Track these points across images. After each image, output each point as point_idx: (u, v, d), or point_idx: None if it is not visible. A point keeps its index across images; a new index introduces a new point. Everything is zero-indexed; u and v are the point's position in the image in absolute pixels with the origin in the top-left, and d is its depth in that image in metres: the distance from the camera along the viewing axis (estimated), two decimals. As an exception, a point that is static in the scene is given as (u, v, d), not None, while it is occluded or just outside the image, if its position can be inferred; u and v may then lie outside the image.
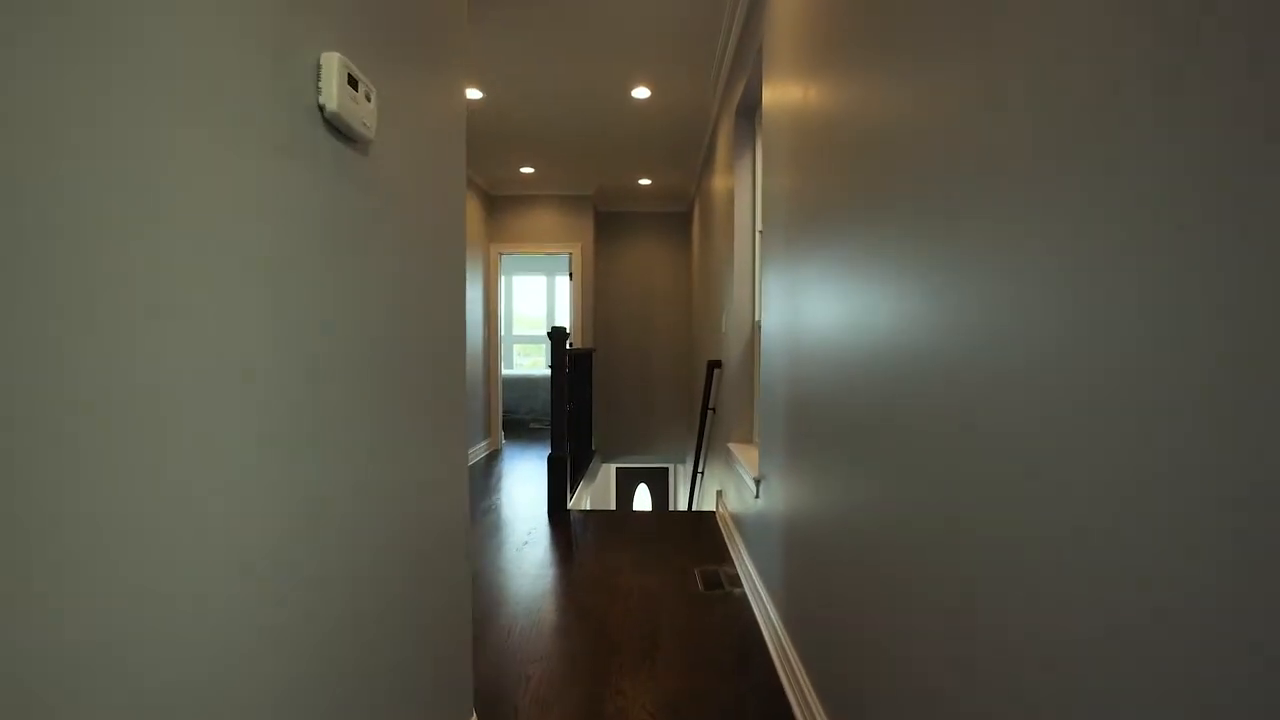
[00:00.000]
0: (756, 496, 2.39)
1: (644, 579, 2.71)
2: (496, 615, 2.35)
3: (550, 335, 3.68)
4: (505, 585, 2.66)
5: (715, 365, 3.79)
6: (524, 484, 4.68)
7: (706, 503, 4.42)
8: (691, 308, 6.44)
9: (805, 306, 1.65)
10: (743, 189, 3.16)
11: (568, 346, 3.85)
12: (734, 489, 3.10)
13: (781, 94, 2.01)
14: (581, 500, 4.96)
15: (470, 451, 5.38)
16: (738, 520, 2.95)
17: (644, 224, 6.79)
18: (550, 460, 3.75)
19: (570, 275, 6.14)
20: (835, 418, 1.36)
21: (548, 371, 8.50)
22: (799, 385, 1.71)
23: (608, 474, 9.69)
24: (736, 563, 2.80)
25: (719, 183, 3.91)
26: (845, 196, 1.29)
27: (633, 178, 5.76)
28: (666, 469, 9.42)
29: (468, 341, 5.86)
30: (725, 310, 3.54)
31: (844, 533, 1.28)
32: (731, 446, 3.05)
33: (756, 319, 3.11)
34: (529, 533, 3.44)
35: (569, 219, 6.11)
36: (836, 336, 1.35)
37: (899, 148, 0.99)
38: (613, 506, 9.71)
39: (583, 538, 3.34)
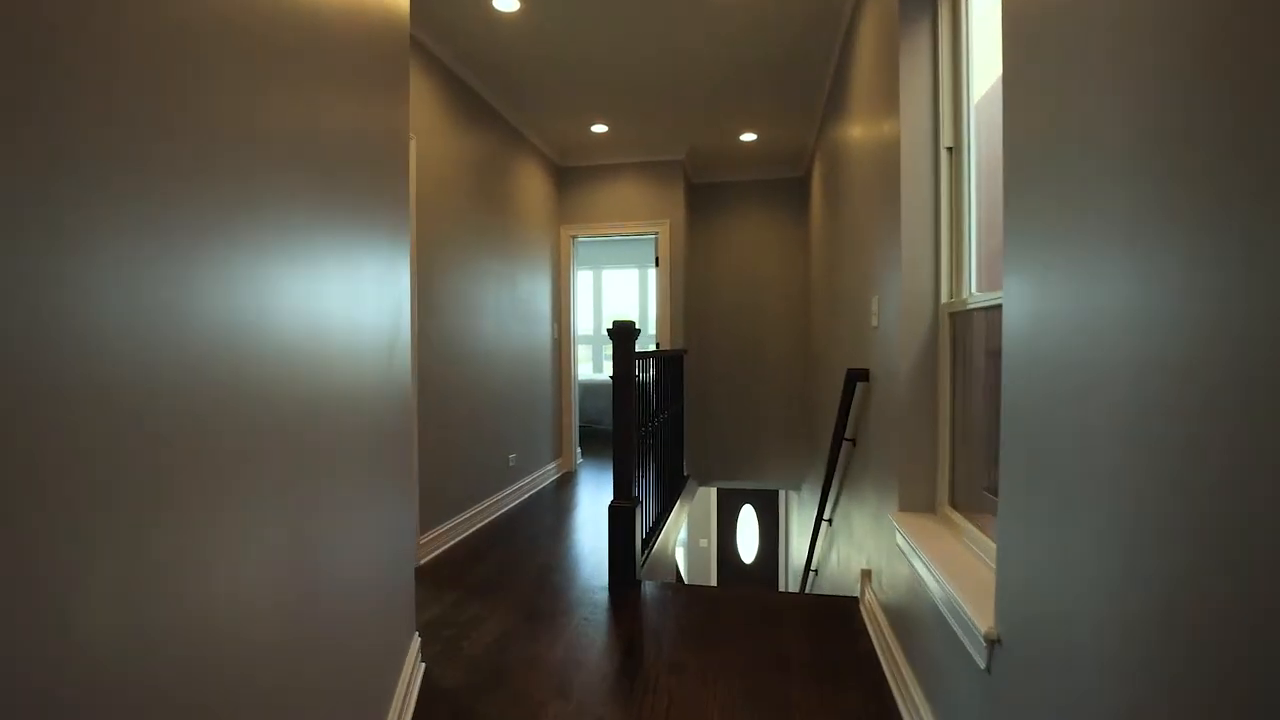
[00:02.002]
0: (987, 669, 1.13)
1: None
2: None
3: (611, 333, 2.56)
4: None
5: (858, 377, 2.51)
6: (596, 522, 3.61)
7: (839, 571, 3.12)
8: (810, 298, 5.10)
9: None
10: (915, 95, 1.88)
11: (654, 350, 2.72)
12: (903, 587, 1.83)
13: None
14: (674, 530, 3.82)
15: (535, 476, 4.39)
16: (921, 660, 1.68)
17: (747, 195, 5.53)
18: (613, 512, 2.64)
19: (656, 260, 5.01)
20: None
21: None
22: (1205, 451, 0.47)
23: (706, 498, 8.50)
24: (921, 745, 1.54)
25: (862, 109, 2.61)
26: None
27: (733, 132, 4.54)
28: (776, 492, 8.08)
29: (533, 342, 5.04)
30: (878, 294, 2.26)
31: None
32: (901, 528, 1.77)
33: (948, 299, 1.82)
34: (583, 619, 2.35)
35: (654, 191, 4.99)
36: None
37: None
38: (713, 533, 8.50)
39: (655, 640, 2.19)
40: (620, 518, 2.62)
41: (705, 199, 5.60)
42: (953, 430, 1.81)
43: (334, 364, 1.23)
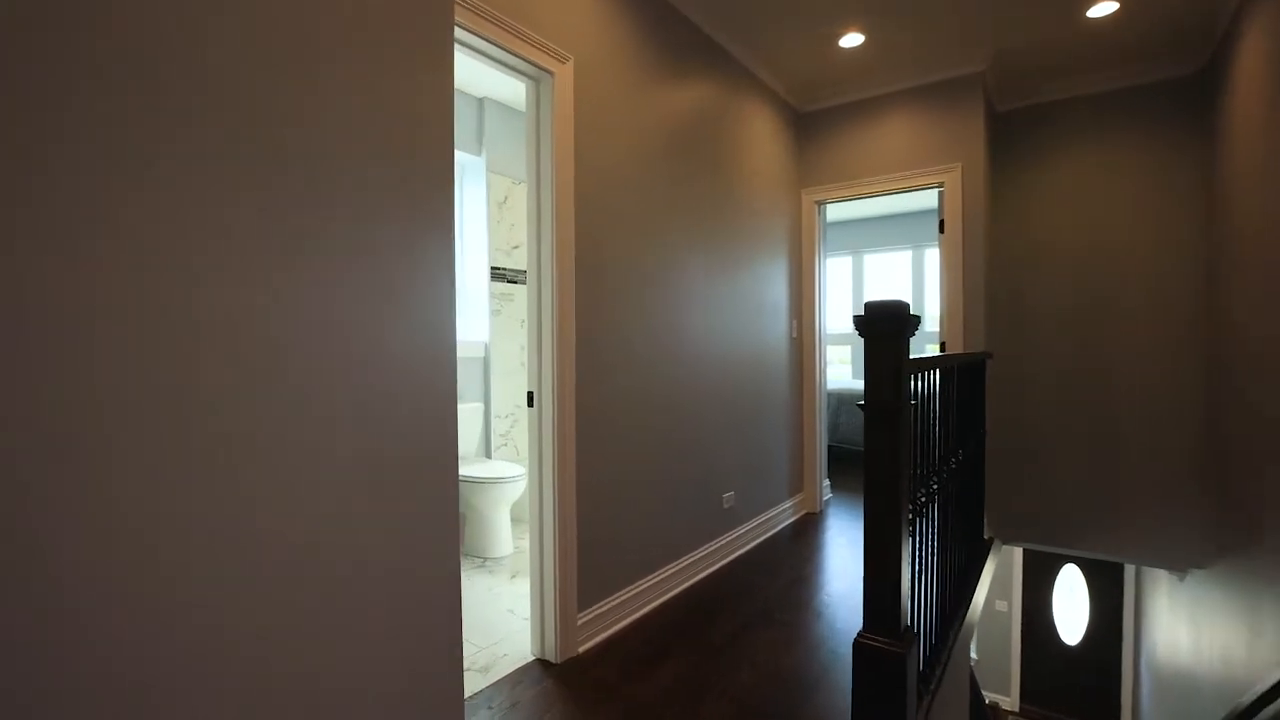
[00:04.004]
0: None
1: None
2: None
3: (862, 324, 1.36)
4: None
5: None
6: (850, 599, 2.38)
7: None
8: (1229, 272, 3.09)
9: None
10: None
11: (938, 354, 1.47)
12: None
13: None
14: (969, 621, 2.41)
15: (761, 521, 3.30)
16: None
17: (1094, 116, 3.65)
18: (864, 659, 1.42)
19: (940, 224, 3.51)
20: None
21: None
22: None
23: (1010, 560, 6.36)
24: None
25: None
26: None
27: (1075, 5, 2.86)
28: (1122, 569, 5.64)
29: (763, 343, 3.54)
30: None
31: None
32: None
33: None
34: None
35: (936, 126, 3.50)
36: None
37: None
38: (1015, 595, 6.33)
39: None
40: (878, 675, 1.39)
41: (1018, 131, 3.86)
42: None
43: None
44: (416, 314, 1.19)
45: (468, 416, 3.49)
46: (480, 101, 3.82)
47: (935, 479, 1.94)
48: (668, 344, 2.64)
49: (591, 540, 2.23)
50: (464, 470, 3.17)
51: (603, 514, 2.28)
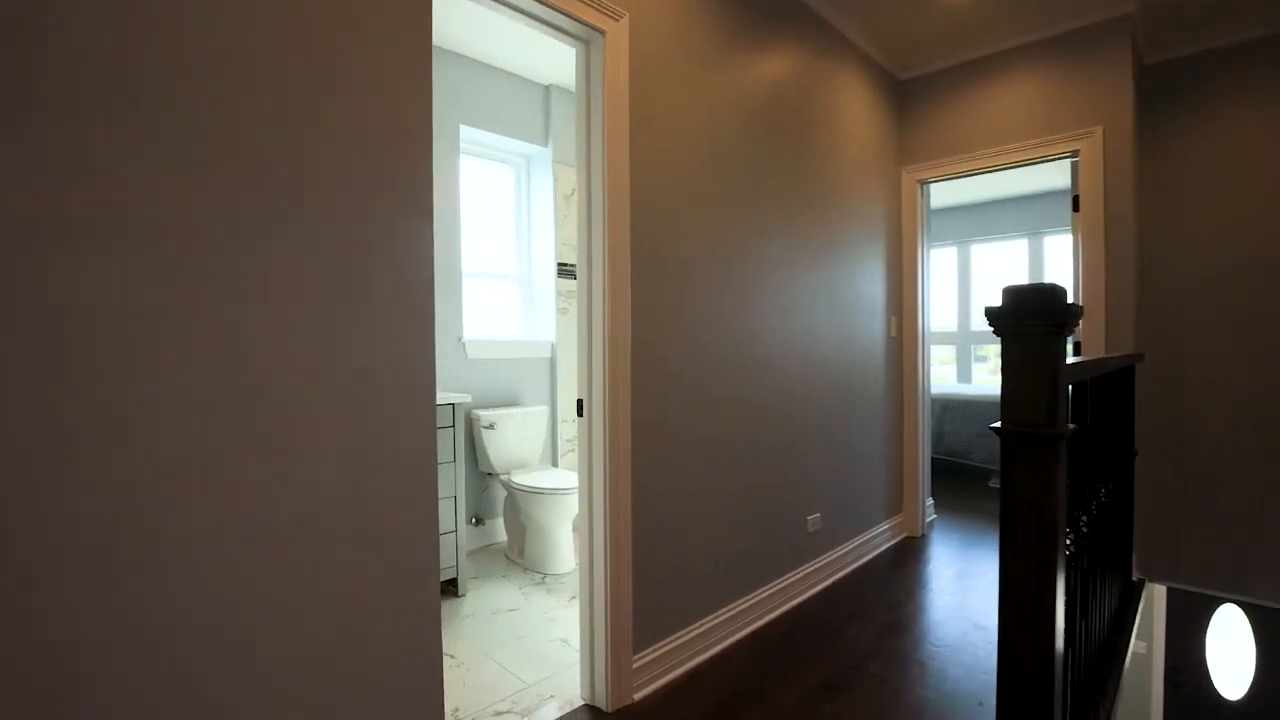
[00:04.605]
0: None
1: None
2: None
3: (1001, 317, 0.99)
4: None
5: None
6: (961, 653, 1.95)
7: None
8: None
9: None
10: None
11: (1068, 351, 1.07)
12: None
13: None
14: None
15: (853, 546, 2.89)
16: None
17: (1273, 68, 2.95)
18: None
19: (1074, 202, 2.94)
20: None
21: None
22: None
23: (1151, 594, 5.43)
24: None
25: None
26: None
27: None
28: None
29: (855, 343, 3.03)
30: None
31: None
32: None
33: None
34: None
35: (1067, 85, 2.93)
36: None
37: None
38: (1158, 638, 5.42)
39: None
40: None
41: (1172, 87, 3.20)
42: None
43: None
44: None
45: (532, 420, 3.30)
46: (546, 89, 3.62)
47: (1084, 515, 1.51)
48: (741, 345, 2.30)
49: (650, 570, 1.94)
50: (524, 479, 2.97)
51: (663, 539, 1.99)
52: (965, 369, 6.90)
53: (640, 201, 1.92)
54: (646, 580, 1.92)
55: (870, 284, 3.17)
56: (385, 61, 1.13)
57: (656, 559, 1.96)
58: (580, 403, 1.90)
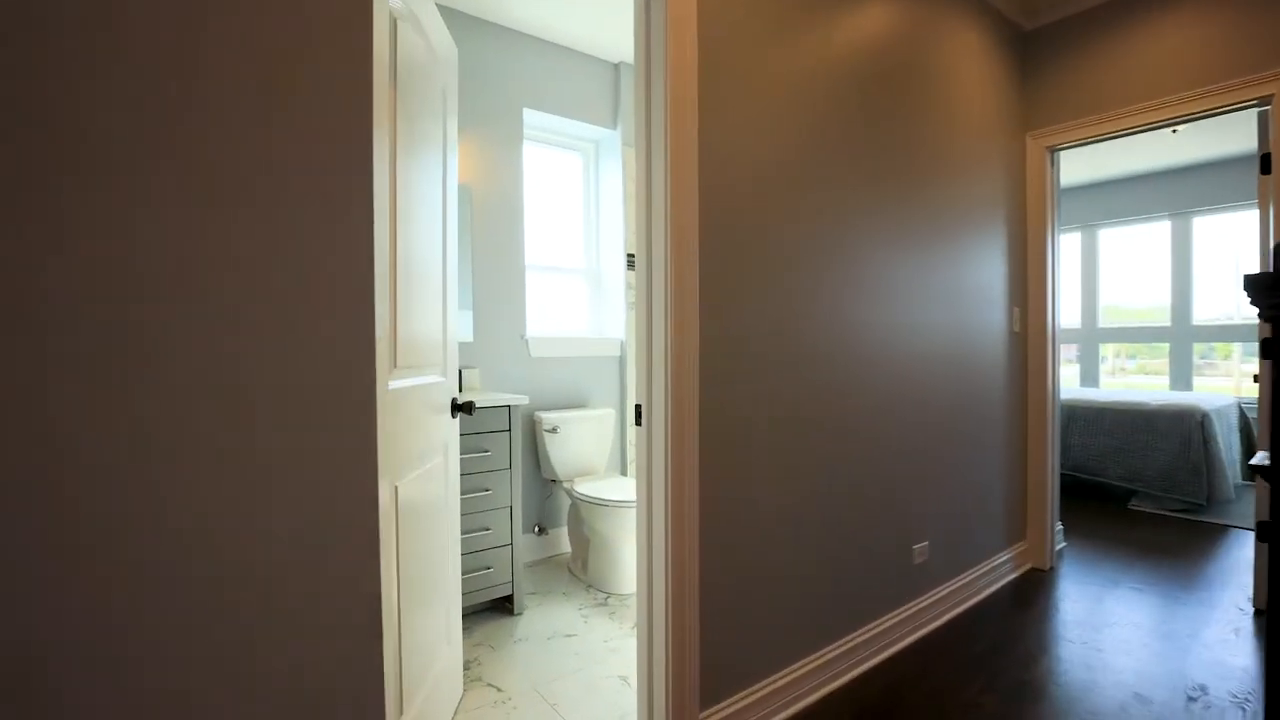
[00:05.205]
0: None
1: None
2: None
3: (1257, 286, 0.62)
4: None
5: None
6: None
7: None
8: None
9: None
10: None
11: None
12: None
13: None
14: None
15: (968, 579, 2.46)
16: None
17: None
18: None
19: (1263, 162, 2.35)
20: None
21: (1173, 397, 4.35)
22: None
23: None
24: None
25: None
26: None
27: None
28: None
29: (969, 340, 2.52)
30: None
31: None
32: None
33: None
34: None
35: (1251, 17, 2.34)
36: None
37: None
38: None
39: None
40: None
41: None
42: None
43: None
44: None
45: (598, 424, 3.06)
46: (615, 67, 3.37)
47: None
48: (834, 343, 1.94)
49: (721, 605, 1.63)
50: (587, 488, 2.73)
51: (737, 570, 1.67)
52: (1091, 370, 6.08)
53: (710, 178, 1.61)
54: (717, 617, 1.62)
55: (986, 271, 2.69)
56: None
57: (729, 593, 1.65)
58: (639, 409, 1.62)
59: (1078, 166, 5.45)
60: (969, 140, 2.57)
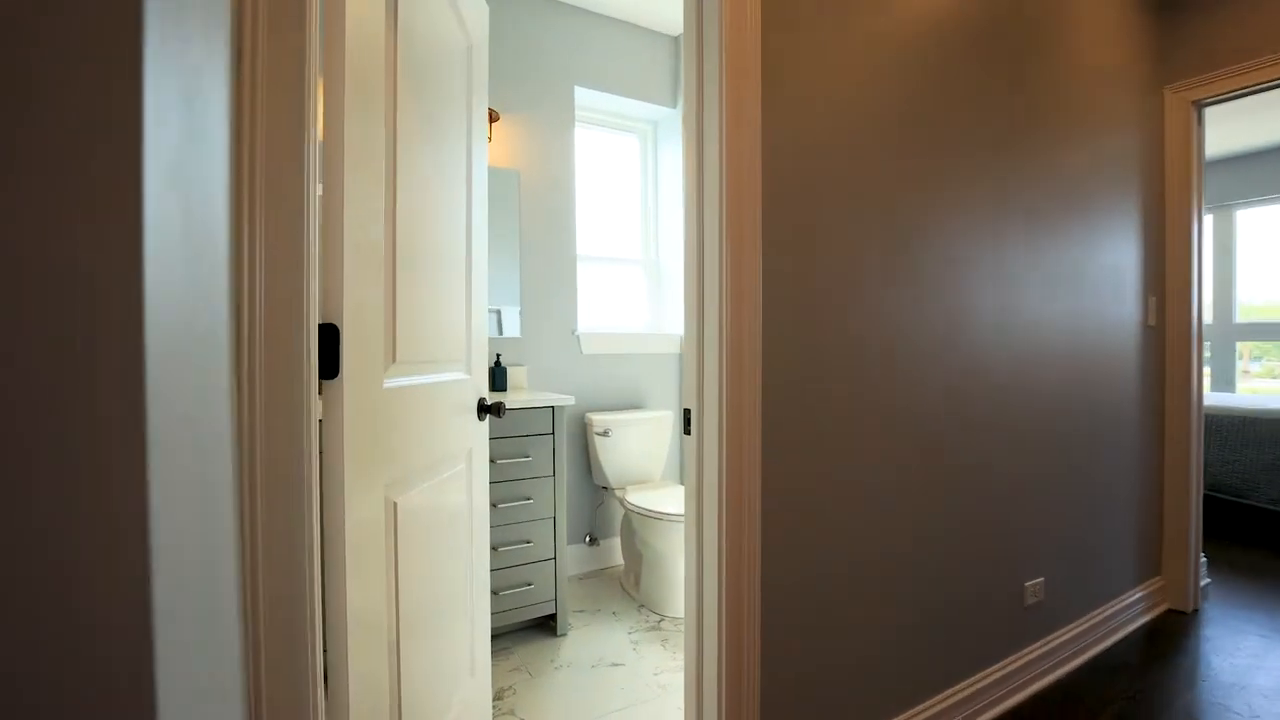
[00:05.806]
0: None
1: None
2: None
3: None
4: None
5: None
6: None
7: None
8: None
9: None
10: None
11: None
12: None
13: None
14: None
15: (1091, 622, 2.05)
16: None
17: None
18: None
19: None
20: None
21: (1341, 403, 3.65)
22: None
23: None
24: None
25: None
26: None
27: None
28: None
29: (1093, 336, 2.08)
30: None
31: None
32: None
33: None
34: None
35: None
36: None
37: None
38: None
39: None
40: None
41: None
42: None
43: None
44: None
45: (654, 427, 2.81)
46: (675, 40, 3.11)
47: None
48: (925, 343, 1.61)
49: (782, 659, 1.34)
50: (639, 498, 2.49)
51: (806, 608, 1.38)
52: (1226, 374, 5.29)
53: (774, 156, 1.33)
54: (778, 673, 1.33)
55: (1115, 253, 2.25)
56: None
57: (792, 641, 1.36)
58: (687, 415, 1.36)
59: (1211, 137, 4.72)
60: (1094, 92, 2.14)
